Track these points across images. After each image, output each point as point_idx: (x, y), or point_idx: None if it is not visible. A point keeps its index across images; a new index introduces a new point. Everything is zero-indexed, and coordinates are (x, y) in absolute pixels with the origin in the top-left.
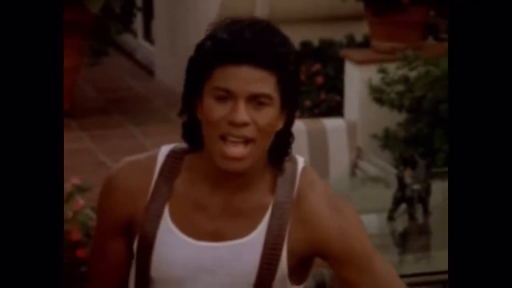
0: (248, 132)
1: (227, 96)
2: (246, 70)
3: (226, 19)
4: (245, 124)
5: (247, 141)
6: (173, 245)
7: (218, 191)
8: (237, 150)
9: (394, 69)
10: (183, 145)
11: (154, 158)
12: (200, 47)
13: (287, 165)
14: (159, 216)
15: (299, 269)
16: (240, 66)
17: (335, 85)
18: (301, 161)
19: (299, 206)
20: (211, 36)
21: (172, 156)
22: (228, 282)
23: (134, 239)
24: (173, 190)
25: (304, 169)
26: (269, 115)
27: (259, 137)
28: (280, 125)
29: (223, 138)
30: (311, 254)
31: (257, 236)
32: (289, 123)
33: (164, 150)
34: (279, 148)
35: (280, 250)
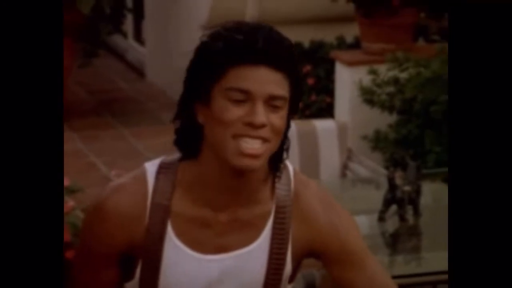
0: (265, 133)
1: (244, 97)
2: (265, 71)
3: (227, 22)
4: (263, 126)
5: (263, 140)
6: (181, 262)
7: (222, 207)
8: (254, 146)
9: (384, 71)
10: (168, 158)
11: (143, 179)
12: (207, 48)
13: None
14: (162, 236)
15: (296, 269)
16: (258, 66)
17: (326, 86)
18: (289, 164)
19: (296, 206)
20: (221, 37)
21: (163, 173)
22: None
23: (135, 265)
24: (172, 208)
25: (295, 170)
26: (283, 117)
27: (273, 138)
28: None
29: (236, 137)
30: (309, 253)
31: (262, 242)
32: (287, 127)
33: (151, 169)
34: (278, 153)
35: (285, 254)
